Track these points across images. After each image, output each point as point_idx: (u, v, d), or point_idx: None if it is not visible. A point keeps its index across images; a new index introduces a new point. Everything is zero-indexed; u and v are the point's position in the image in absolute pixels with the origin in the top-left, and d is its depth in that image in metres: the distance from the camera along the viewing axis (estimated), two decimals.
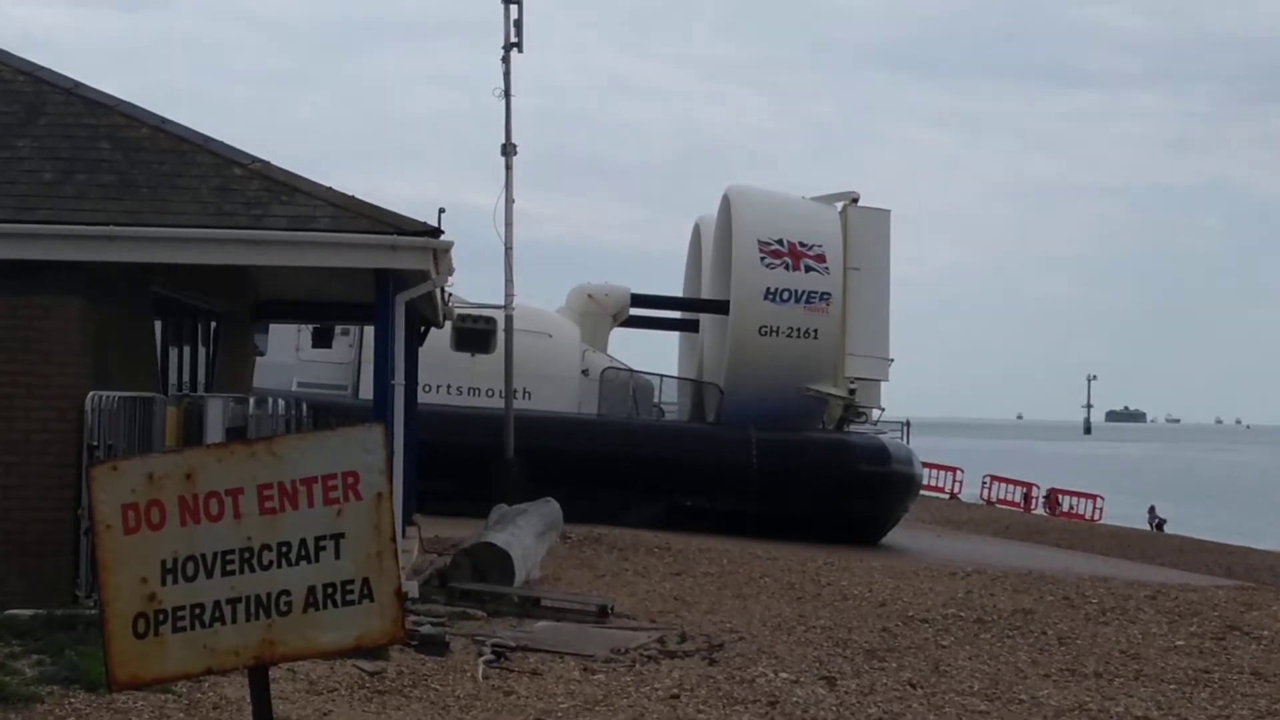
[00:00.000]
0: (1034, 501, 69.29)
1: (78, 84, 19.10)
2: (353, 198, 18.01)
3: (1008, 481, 72.88)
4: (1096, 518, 65.68)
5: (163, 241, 17.23)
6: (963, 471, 72.72)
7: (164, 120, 18.70)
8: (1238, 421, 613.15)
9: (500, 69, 35.30)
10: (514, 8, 34.89)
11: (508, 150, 35.46)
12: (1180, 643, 18.55)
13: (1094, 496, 68.35)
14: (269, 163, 18.27)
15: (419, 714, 13.01)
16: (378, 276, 18.22)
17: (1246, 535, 58.95)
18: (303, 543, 6.75)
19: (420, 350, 27.80)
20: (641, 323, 45.81)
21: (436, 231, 17.73)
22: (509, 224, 35.23)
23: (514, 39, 34.96)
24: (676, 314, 46.93)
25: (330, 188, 18.05)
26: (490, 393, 37.47)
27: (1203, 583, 29.75)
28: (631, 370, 41.97)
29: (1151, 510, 64.61)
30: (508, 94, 35.59)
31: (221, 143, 18.51)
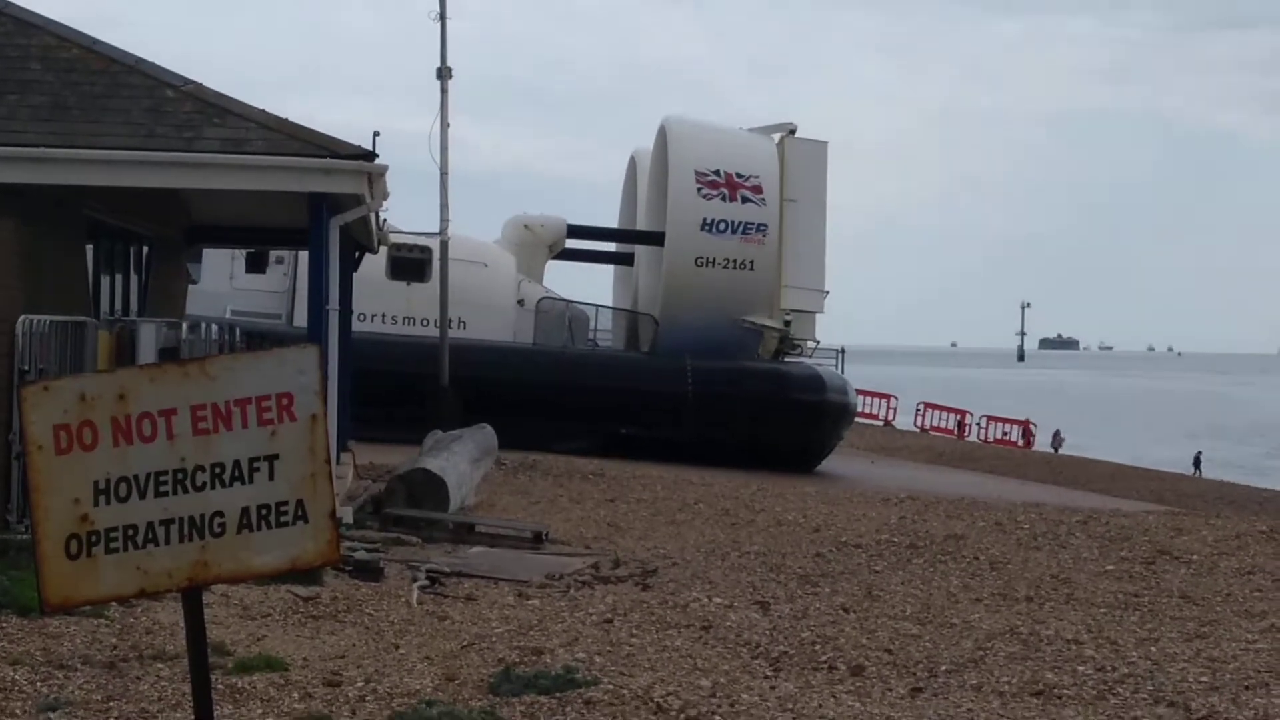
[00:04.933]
0: (967, 429, 69.69)
1: (7, 3, 18.81)
2: (286, 120, 17.84)
3: (941, 409, 73.25)
4: (1028, 444, 66.29)
5: (94, 164, 17.04)
6: (897, 399, 73.08)
7: (95, 41, 18.46)
8: (1169, 349, 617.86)
9: None
10: None
11: (443, 74, 35.29)
12: (1110, 567, 18.70)
13: (1026, 423, 68.83)
14: (201, 85, 18.08)
15: (353, 639, 12.99)
16: (311, 200, 18.10)
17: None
18: (236, 464, 6.69)
19: (356, 280, 27.67)
20: (577, 255, 45.76)
21: (371, 155, 17.62)
22: (444, 149, 35.16)
23: None
24: (611, 247, 46.86)
25: (264, 110, 17.87)
26: (425, 322, 37.44)
27: (1133, 508, 29.99)
28: (568, 301, 41.94)
29: (1055, 435, 67.12)
30: (443, 17, 35.46)
31: (153, 64, 18.29)
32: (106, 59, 18.17)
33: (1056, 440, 66.70)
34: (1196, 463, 58.42)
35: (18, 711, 9.94)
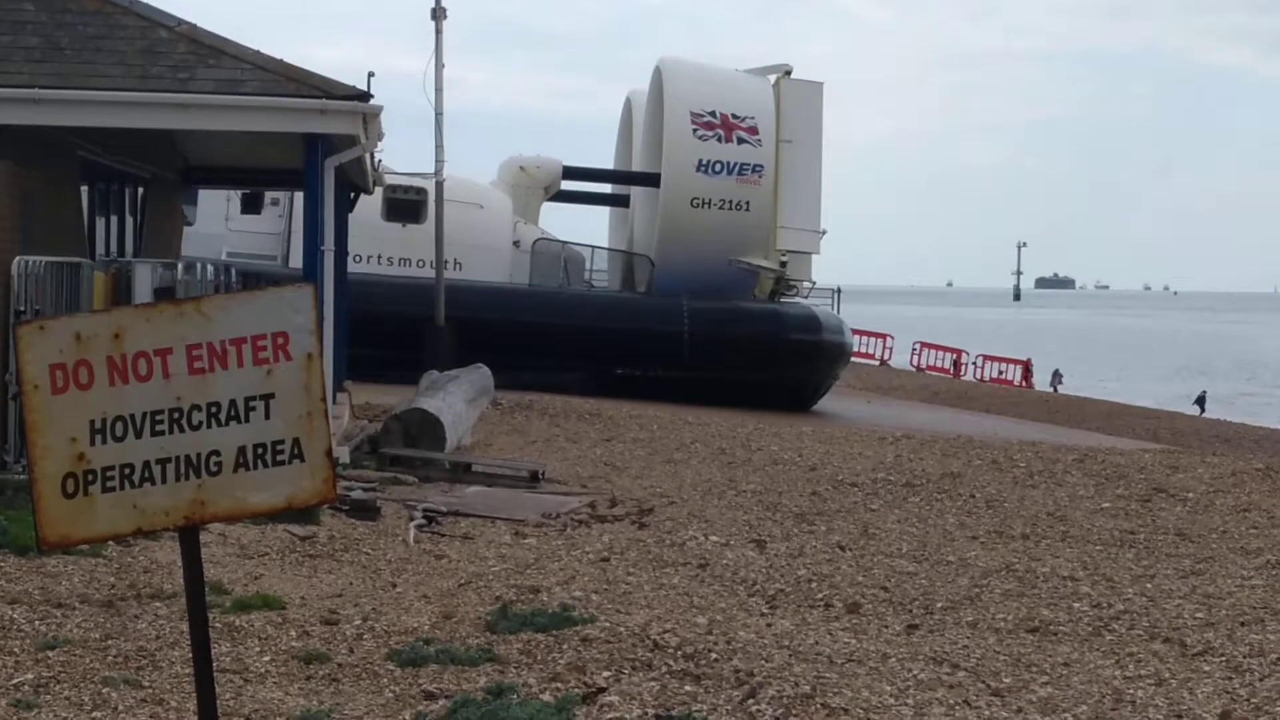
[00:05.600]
0: (964, 368, 69.70)
1: None
2: (281, 61, 17.81)
3: (937, 348, 73.22)
4: (1026, 384, 66.30)
5: (88, 105, 17.02)
6: (893, 338, 73.03)
7: None
8: (1165, 288, 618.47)
9: None
10: None
11: (437, 14, 35.14)
12: (1106, 505, 18.75)
13: (1026, 362, 68.83)
14: (195, 25, 18.03)
15: (350, 577, 13.03)
16: (306, 141, 18.09)
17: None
18: (232, 403, 6.68)
19: (351, 221, 27.62)
20: (573, 197, 45.70)
21: (366, 95, 17.60)
22: (439, 89, 34.98)
23: None
24: (607, 188, 46.80)
25: (258, 51, 17.84)
26: (421, 263, 37.38)
27: (1129, 446, 30.04)
28: (563, 242, 41.90)
29: (1055, 374, 66.93)
30: None
31: (147, 4, 18.24)
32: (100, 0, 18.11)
33: (1056, 379, 66.54)
34: (1200, 402, 57.86)
35: (16, 650, 9.96)
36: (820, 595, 12.80)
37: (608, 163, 47.39)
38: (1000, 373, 68.36)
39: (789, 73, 42.55)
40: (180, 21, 18.03)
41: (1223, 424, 48.94)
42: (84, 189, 21.84)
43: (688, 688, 9.52)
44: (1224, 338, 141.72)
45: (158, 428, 6.58)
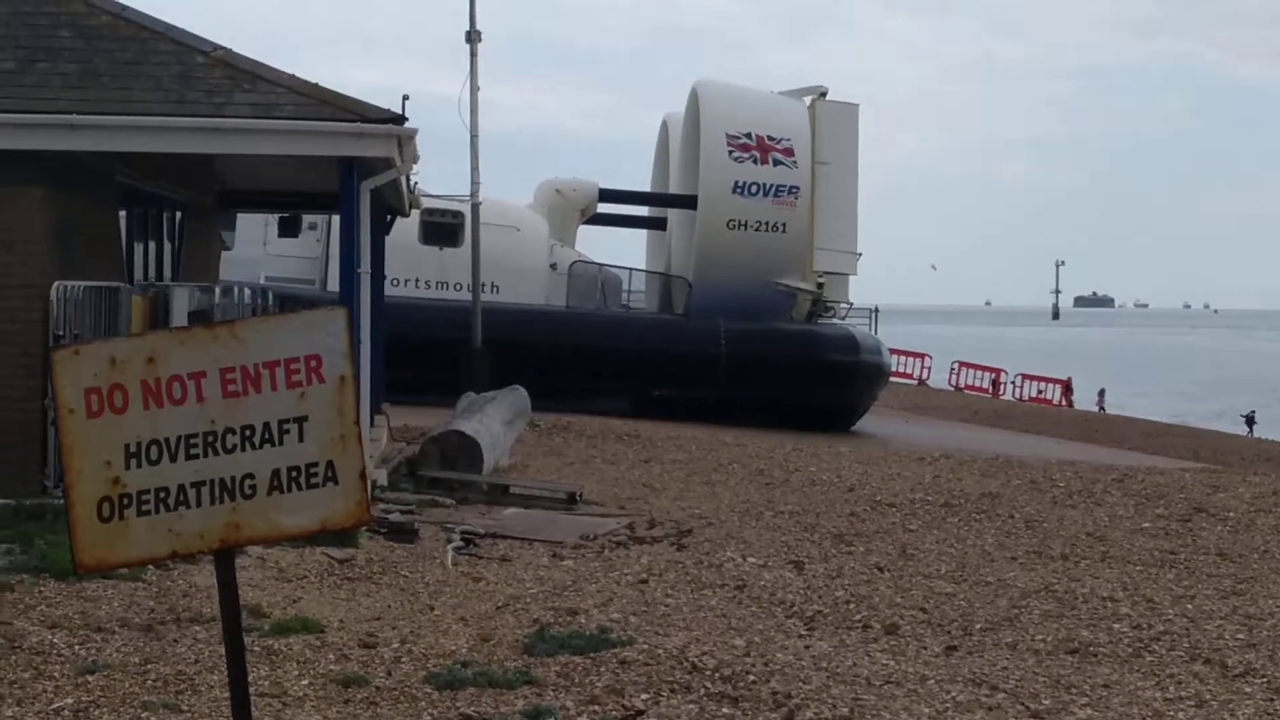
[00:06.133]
0: (1002, 387, 69.52)
1: None
2: (316, 85, 17.83)
3: (976, 367, 73.11)
4: (1066, 403, 66.07)
5: (125, 130, 17.05)
6: (931, 358, 72.95)
7: (124, 7, 18.44)
8: (1205, 306, 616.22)
9: None
10: None
11: (472, 38, 35.22)
12: (1147, 525, 18.65)
13: (1066, 381, 68.62)
14: (230, 50, 18.06)
15: (388, 600, 13.02)
16: (342, 164, 18.09)
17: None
18: (266, 426, 6.68)
19: (389, 245, 27.66)
20: (609, 220, 45.72)
21: (400, 119, 17.60)
22: (474, 111, 35.09)
23: None
24: (644, 211, 46.80)
25: (293, 75, 17.86)
26: (458, 286, 37.43)
27: (1169, 466, 29.91)
28: (600, 264, 41.95)
29: (1100, 393, 66.42)
30: None
31: (183, 30, 18.28)
32: (136, 25, 18.16)
33: (1101, 399, 66.06)
34: (1249, 421, 57.11)
35: (56, 675, 9.98)
36: (858, 616, 12.75)
37: (644, 183, 47.39)
38: (1040, 391, 68.23)
39: (824, 94, 42.55)
40: (215, 46, 18.07)
41: (1265, 443, 48.72)
42: (122, 214, 21.91)
43: (725, 710, 9.50)
44: (1265, 355, 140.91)
45: (192, 451, 6.59)
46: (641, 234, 48.26)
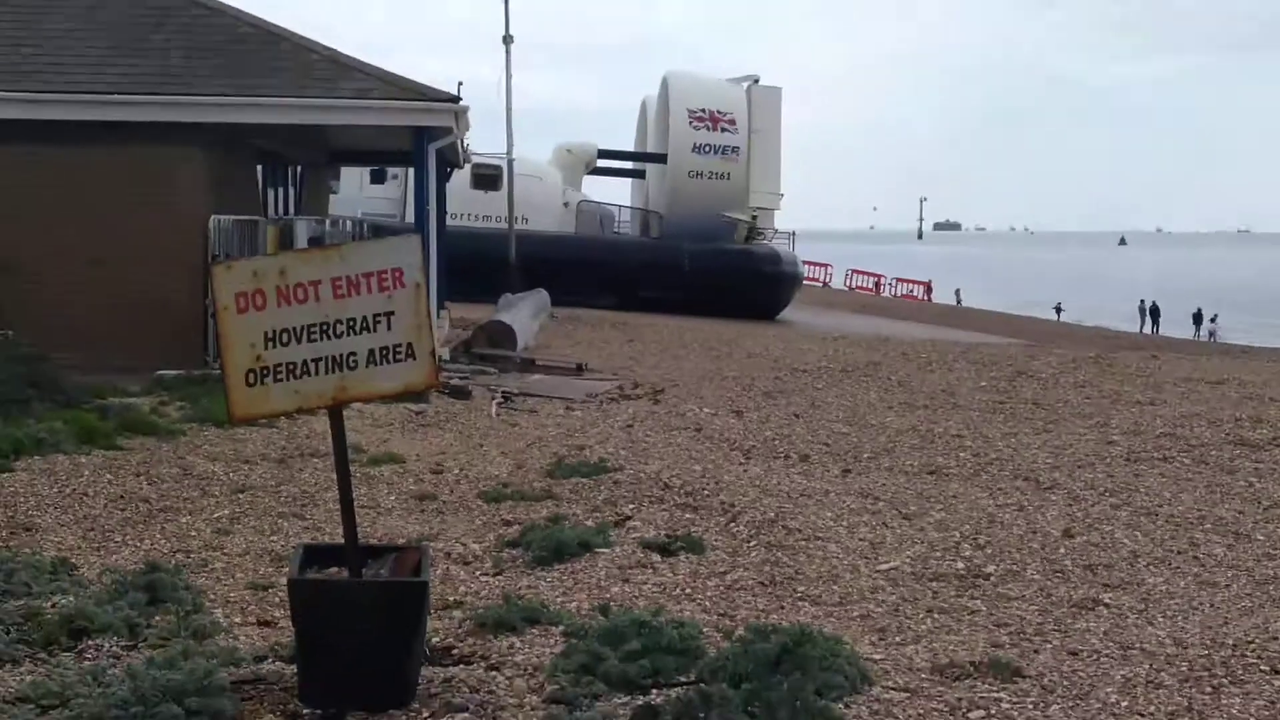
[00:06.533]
0: (883, 288, 69.36)
1: None
2: (397, 75, 17.75)
3: (863, 273, 72.94)
4: (927, 298, 66.04)
5: (261, 107, 16.96)
6: (832, 267, 72.72)
7: (259, 20, 18.30)
8: (1025, 229, 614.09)
9: None
10: None
11: (507, 40, 34.97)
12: (983, 384, 18.67)
13: (927, 283, 68.54)
14: (335, 50, 17.93)
15: (450, 440, 13.04)
16: (415, 132, 18.01)
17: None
18: (364, 319, 6.62)
19: (449, 189, 27.45)
20: (605, 171, 45.56)
21: (456, 99, 17.53)
22: (509, 92, 34.85)
23: None
24: (629, 165, 46.61)
25: (380, 67, 17.75)
26: (499, 219, 37.23)
27: (1000, 342, 29.93)
28: (599, 203, 41.91)
29: (957, 292, 66.59)
30: (506, 3, 35.06)
31: (301, 36, 18.15)
32: (268, 33, 17.99)
33: (958, 296, 66.00)
34: (1058, 310, 58.07)
35: (216, 493, 10.01)
36: (781, 449, 12.79)
37: (629, 145, 47.13)
38: (909, 291, 68.09)
39: (757, 80, 42.45)
40: (325, 48, 17.95)
41: (1068, 325, 48.76)
42: (259, 169, 21.75)
43: (688, 515, 9.54)
44: (1069, 264, 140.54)
45: (312, 336, 6.53)
46: (627, 181, 48.04)
